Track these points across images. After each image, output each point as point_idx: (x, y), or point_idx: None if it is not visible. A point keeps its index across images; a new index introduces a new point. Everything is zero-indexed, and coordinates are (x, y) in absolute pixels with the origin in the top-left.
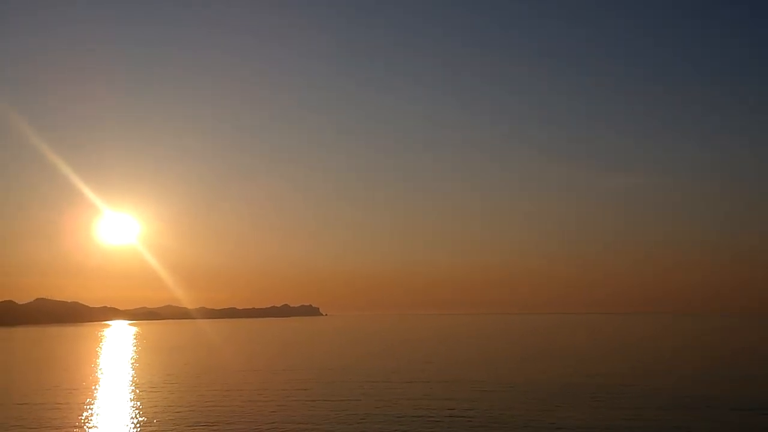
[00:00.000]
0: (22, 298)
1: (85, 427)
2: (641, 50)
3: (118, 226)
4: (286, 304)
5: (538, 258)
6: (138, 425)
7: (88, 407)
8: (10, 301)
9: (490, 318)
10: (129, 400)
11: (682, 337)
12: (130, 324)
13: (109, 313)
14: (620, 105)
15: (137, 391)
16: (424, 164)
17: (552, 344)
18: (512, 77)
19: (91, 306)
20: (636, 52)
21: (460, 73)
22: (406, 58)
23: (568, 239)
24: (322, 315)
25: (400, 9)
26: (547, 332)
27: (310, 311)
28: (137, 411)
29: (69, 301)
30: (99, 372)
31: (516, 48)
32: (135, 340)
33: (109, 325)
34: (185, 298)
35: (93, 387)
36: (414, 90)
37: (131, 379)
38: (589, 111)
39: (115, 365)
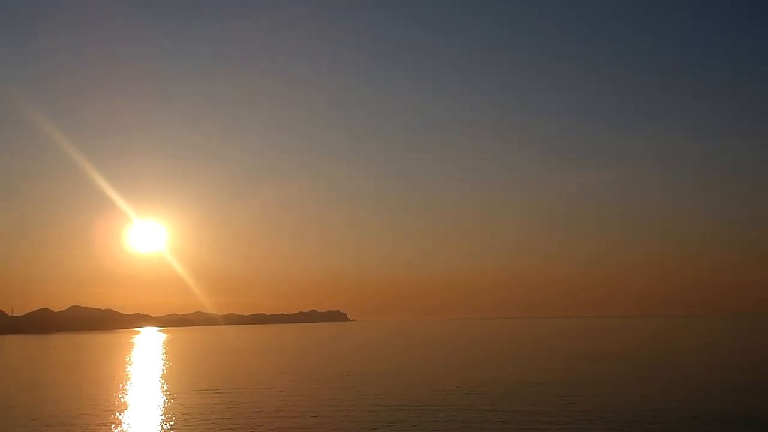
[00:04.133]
0: (58, 305)
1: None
2: (618, 45)
3: (147, 234)
4: (313, 310)
5: (540, 259)
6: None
7: (123, 414)
8: (47, 309)
9: (522, 322)
10: (173, 406)
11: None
12: (159, 330)
13: (141, 319)
14: (594, 98)
15: (181, 397)
16: (453, 170)
17: (606, 347)
18: (494, 73)
19: (123, 313)
20: (613, 47)
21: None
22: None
23: (577, 241)
24: (349, 320)
25: (387, 10)
26: (589, 335)
27: (337, 317)
28: (184, 417)
29: (103, 308)
30: (134, 378)
31: (498, 46)
32: (167, 347)
33: (139, 332)
34: (214, 305)
35: (128, 394)
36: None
37: (172, 384)
38: (567, 104)
39: (148, 371)
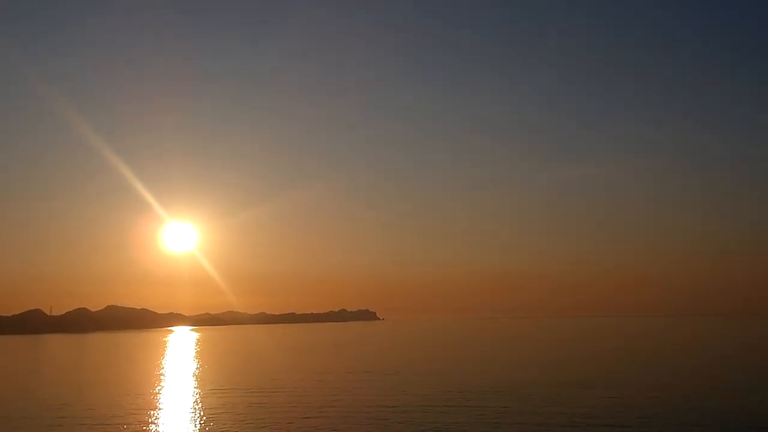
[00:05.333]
0: (95, 305)
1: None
2: (600, 41)
3: (179, 235)
4: (343, 309)
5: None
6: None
7: (161, 412)
8: (84, 309)
9: (556, 322)
10: (205, 404)
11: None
12: (191, 330)
13: (174, 319)
14: (572, 94)
15: (210, 395)
16: (482, 171)
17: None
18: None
19: (158, 312)
20: (590, 40)
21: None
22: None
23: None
24: (379, 319)
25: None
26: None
27: (367, 315)
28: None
29: (138, 308)
30: (168, 376)
31: (482, 45)
32: (197, 346)
33: (172, 331)
34: (246, 304)
35: (163, 392)
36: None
37: (202, 383)
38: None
39: (181, 369)
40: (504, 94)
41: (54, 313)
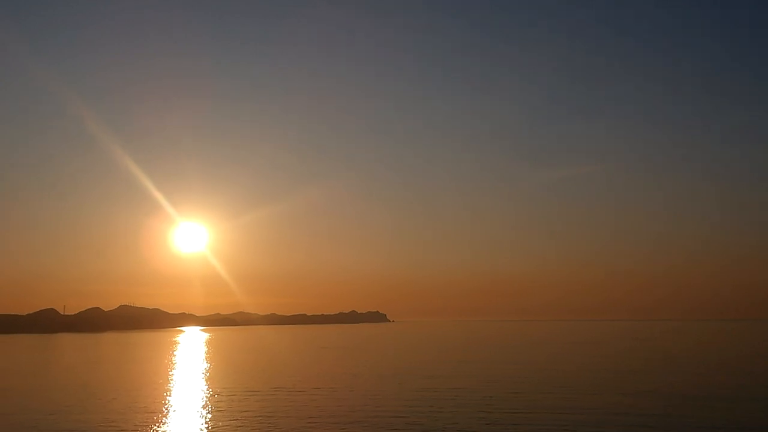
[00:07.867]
0: (108, 305)
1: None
2: (595, 38)
3: (190, 236)
4: (353, 311)
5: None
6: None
7: (169, 410)
8: (97, 308)
9: (568, 325)
10: (212, 405)
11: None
12: (202, 330)
13: (186, 319)
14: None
15: (212, 396)
16: (491, 172)
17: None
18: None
19: (170, 312)
20: (590, 40)
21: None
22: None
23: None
24: (389, 321)
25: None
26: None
27: (377, 317)
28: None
29: (150, 307)
30: (175, 376)
31: (481, 47)
32: (206, 346)
33: (183, 331)
34: (257, 305)
35: (171, 392)
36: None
37: (209, 383)
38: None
39: (188, 369)
40: (505, 94)
41: (67, 313)
